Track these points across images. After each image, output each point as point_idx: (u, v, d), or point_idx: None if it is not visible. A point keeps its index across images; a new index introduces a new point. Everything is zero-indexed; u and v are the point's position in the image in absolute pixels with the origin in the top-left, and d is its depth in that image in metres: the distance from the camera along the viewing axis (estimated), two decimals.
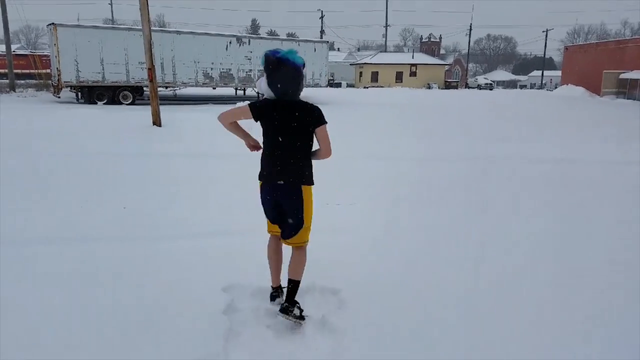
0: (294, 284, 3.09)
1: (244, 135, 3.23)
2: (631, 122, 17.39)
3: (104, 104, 20.88)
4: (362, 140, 11.36)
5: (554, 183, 7.67)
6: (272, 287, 3.31)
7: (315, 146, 3.11)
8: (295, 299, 3.09)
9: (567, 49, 46.21)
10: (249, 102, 3.07)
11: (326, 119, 3.02)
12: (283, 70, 2.89)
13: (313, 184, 3.10)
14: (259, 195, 3.13)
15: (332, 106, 19.31)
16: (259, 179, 3.10)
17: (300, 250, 3.15)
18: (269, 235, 3.32)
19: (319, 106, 3.03)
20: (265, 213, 3.19)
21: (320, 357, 2.83)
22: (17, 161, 8.03)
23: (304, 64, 2.98)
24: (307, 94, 29.09)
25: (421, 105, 23.75)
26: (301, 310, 3.09)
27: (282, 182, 2.99)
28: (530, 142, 11.96)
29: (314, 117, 2.98)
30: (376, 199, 6.39)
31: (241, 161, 8.24)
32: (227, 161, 8.75)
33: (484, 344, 2.97)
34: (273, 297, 3.27)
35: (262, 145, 3.13)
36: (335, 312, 3.28)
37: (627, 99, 35.24)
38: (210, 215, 5.44)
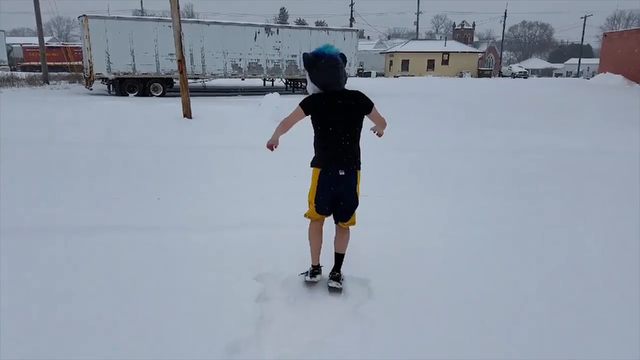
0: (341, 257, 3.53)
1: (279, 135, 3.46)
2: None
3: (135, 95, 20.99)
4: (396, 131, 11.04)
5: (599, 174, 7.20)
6: (312, 265, 3.57)
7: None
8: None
9: (605, 35, 44.45)
10: (299, 102, 3.25)
11: (372, 100, 3.28)
12: (320, 64, 3.14)
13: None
14: (316, 181, 3.29)
15: None
16: (316, 166, 3.29)
17: (348, 230, 3.50)
18: (309, 219, 3.51)
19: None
20: (319, 200, 3.33)
21: (350, 343, 2.90)
22: (55, 150, 8.17)
23: (341, 54, 3.22)
24: None
25: (453, 97, 23.10)
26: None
27: (343, 173, 3.22)
28: (562, 133, 11.42)
29: (360, 104, 3.23)
30: (417, 190, 6.27)
31: (273, 153, 8.06)
32: (259, 153, 8.57)
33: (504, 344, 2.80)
34: (314, 274, 3.53)
35: (278, 144, 3.46)
36: (365, 301, 3.35)
37: None
38: (242, 208, 5.37)
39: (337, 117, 3.18)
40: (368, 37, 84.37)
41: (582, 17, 70.30)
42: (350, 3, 58.53)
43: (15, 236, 4.32)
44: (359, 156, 3.32)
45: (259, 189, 6.18)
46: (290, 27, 25.33)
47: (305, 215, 3.51)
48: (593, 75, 48.78)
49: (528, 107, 17.92)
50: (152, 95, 21.29)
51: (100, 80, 21.48)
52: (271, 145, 3.45)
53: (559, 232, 4.81)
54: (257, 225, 4.74)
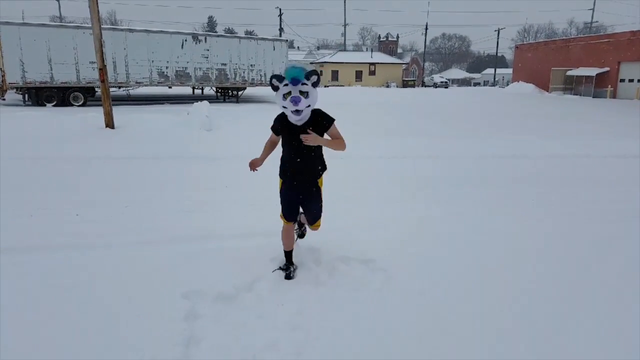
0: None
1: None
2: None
3: (53, 105, 19.90)
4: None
5: (544, 179, 7.72)
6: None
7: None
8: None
9: (517, 47, 47.56)
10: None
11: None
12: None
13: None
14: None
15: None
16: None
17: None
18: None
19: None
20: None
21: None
22: None
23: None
24: (265, 92, 28.76)
25: (395, 105, 23.82)
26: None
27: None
28: (489, 138, 12.12)
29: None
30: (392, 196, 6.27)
31: (199, 163, 8.03)
32: (183, 163, 8.42)
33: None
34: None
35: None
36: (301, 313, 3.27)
37: (574, 94, 36.81)
38: (169, 221, 5.18)
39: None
40: (298, 47, 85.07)
41: (495, 30, 74.80)
42: (279, 13, 58.88)
43: None
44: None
45: (185, 200, 6.02)
46: (219, 36, 25.07)
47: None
48: (508, 84, 52.01)
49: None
50: (72, 105, 20.28)
51: (15, 90, 20.18)
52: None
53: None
54: (185, 240, 4.59)
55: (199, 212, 5.49)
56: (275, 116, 3.61)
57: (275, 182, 3.80)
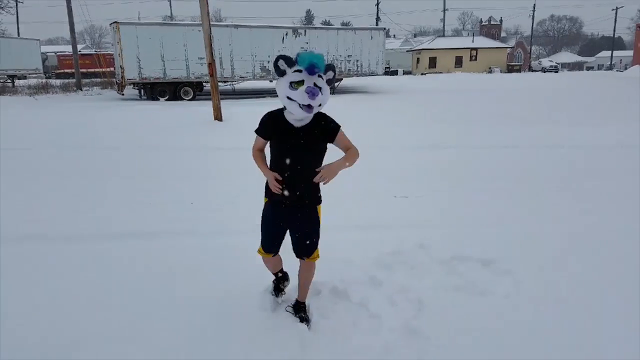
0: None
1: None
2: None
3: (165, 100, 21.31)
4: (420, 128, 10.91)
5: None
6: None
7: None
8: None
9: (639, 27, 43.15)
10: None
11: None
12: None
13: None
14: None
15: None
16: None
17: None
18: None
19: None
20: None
21: None
22: (88, 154, 8.24)
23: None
24: (362, 82, 28.67)
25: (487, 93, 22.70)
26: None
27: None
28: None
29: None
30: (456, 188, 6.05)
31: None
32: None
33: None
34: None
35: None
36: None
37: None
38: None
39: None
40: (394, 35, 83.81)
41: (613, 9, 68.44)
42: (377, 2, 58.26)
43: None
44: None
45: None
46: (317, 28, 25.36)
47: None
48: (626, 68, 47.43)
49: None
50: (182, 99, 21.58)
51: (132, 86, 21.88)
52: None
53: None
54: None
55: None
56: (263, 115, 2.84)
57: None
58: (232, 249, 4.07)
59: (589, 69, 78.43)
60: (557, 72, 56.15)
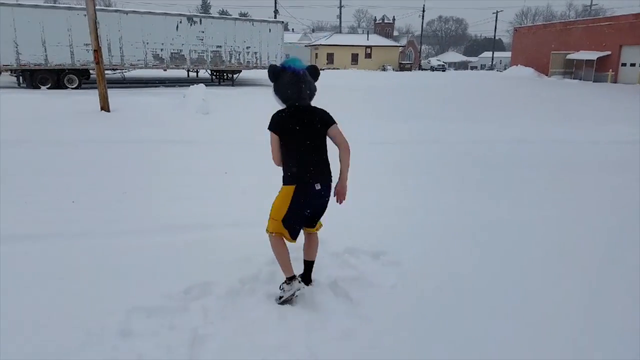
0: (312, 264, 3.47)
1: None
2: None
3: (47, 88, 19.73)
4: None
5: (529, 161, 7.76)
6: (287, 278, 3.24)
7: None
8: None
9: (516, 30, 47.32)
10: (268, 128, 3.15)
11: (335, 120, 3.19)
12: (284, 76, 3.13)
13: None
14: (289, 199, 3.11)
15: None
16: (290, 184, 3.12)
17: (316, 234, 3.43)
18: (270, 235, 3.24)
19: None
20: (291, 218, 3.16)
21: None
22: None
23: (310, 67, 3.23)
24: (257, 75, 28.50)
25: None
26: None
27: (319, 187, 3.12)
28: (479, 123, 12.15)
29: (322, 120, 3.15)
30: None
31: (198, 147, 7.98)
32: (182, 147, 8.40)
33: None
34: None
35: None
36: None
37: (573, 78, 36.62)
38: (167, 207, 5.14)
39: (303, 133, 3.09)
40: (292, 29, 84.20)
41: (493, 13, 74.54)
42: None
43: None
44: (330, 169, 3.23)
45: (188, 186, 5.98)
46: (213, 17, 24.77)
47: (267, 230, 3.25)
48: (506, 68, 51.85)
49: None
50: (67, 88, 20.12)
51: (9, 72, 20.00)
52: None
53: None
54: (184, 228, 4.48)
55: (198, 199, 5.41)
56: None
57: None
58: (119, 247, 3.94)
59: (472, 68, 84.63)
60: (444, 70, 60.00)
